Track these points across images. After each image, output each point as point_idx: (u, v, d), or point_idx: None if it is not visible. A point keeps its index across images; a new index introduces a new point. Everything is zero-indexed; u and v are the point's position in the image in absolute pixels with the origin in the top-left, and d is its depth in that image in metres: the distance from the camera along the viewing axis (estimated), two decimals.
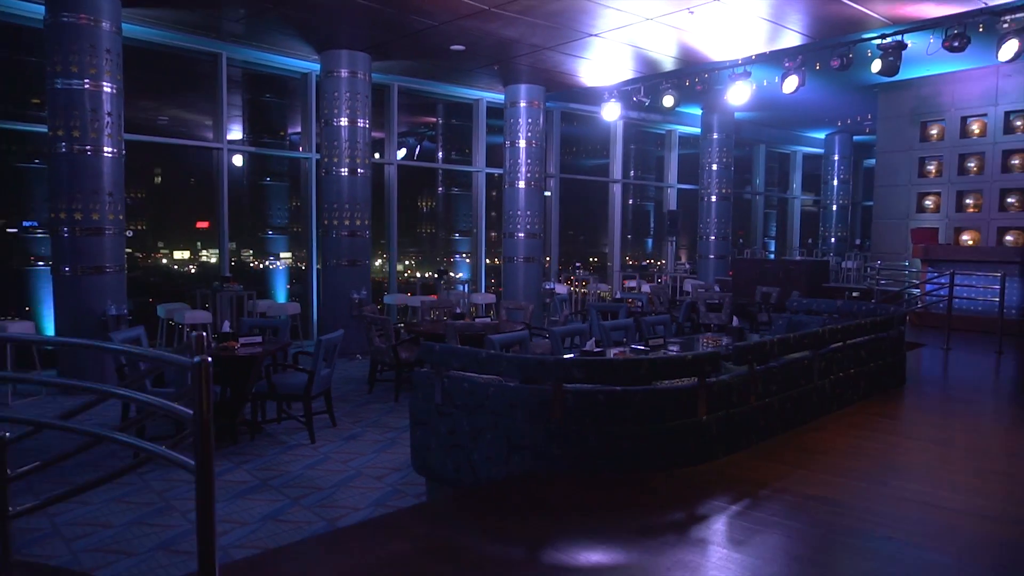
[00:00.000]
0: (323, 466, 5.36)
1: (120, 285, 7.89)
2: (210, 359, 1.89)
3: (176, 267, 14.78)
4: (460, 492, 4.00)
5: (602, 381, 3.93)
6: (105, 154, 7.57)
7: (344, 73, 9.86)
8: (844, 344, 5.48)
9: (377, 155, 11.67)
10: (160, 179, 15.08)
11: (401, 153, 12.67)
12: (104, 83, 7.49)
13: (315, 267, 11.07)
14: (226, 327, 6.30)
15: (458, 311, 8.32)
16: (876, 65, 9.08)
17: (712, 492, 3.63)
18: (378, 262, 12.83)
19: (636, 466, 3.87)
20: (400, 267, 16.01)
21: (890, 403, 5.74)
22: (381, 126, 11.59)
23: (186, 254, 15.05)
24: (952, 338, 8.36)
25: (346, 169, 9.99)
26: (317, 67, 10.37)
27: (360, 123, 10.01)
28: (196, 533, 1.89)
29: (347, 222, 10.09)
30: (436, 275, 12.43)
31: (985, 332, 8.99)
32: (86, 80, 7.37)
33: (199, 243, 14.77)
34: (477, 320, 8.16)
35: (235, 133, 12.80)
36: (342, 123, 9.91)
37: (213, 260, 10.06)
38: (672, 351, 5.49)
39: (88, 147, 7.46)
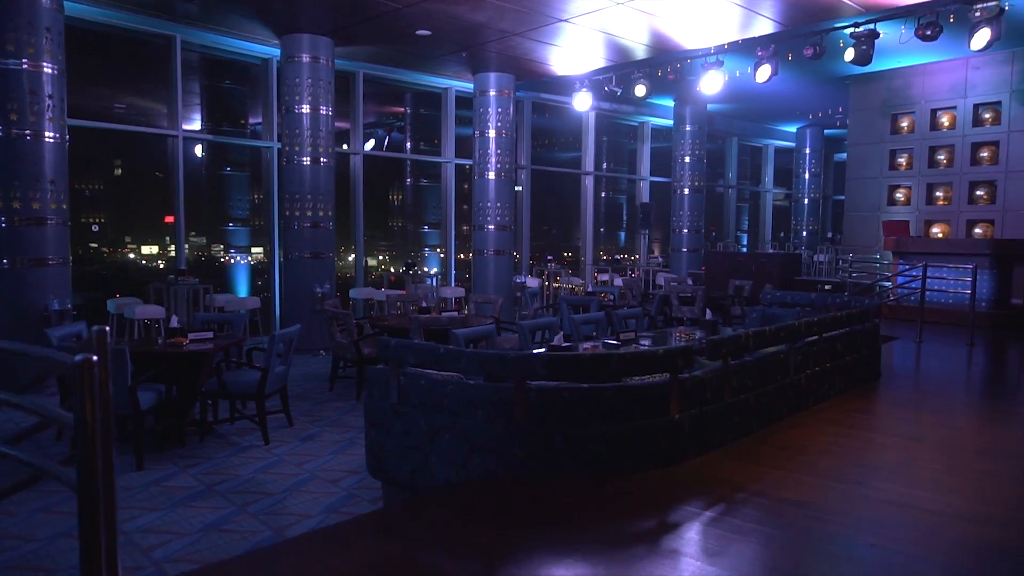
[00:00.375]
0: (276, 469, 5.05)
1: (64, 278, 7.46)
2: (95, 357, 1.59)
3: (144, 262, 14.29)
4: (415, 499, 3.73)
5: (568, 378, 3.69)
6: (46, 139, 7.13)
7: (306, 58, 9.47)
8: (820, 337, 5.30)
9: (345, 146, 11.30)
10: (120, 171, 14.51)
11: (369, 144, 12.29)
12: (44, 64, 7.03)
13: (277, 260, 10.67)
14: (174, 322, 5.95)
15: (425, 305, 8.02)
16: (849, 54, 8.98)
17: (685, 496, 3.41)
18: (351, 257, 12.46)
19: (604, 468, 3.63)
20: (373, 262, 15.62)
21: (866, 398, 5.59)
22: (347, 115, 11.21)
23: (155, 249, 14.55)
24: (924, 331, 8.28)
25: (308, 158, 9.61)
26: (278, 52, 9.96)
27: (323, 110, 9.63)
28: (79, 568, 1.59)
29: (309, 213, 9.72)
30: (404, 268, 12.10)
31: (956, 324, 8.92)
32: (24, 60, 6.91)
33: (168, 238, 14.26)
34: (444, 314, 7.88)
35: (194, 123, 12.31)
36: (304, 110, 9.53)
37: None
38: (644, 345, 5.27)
39: (27, 131, 7.01)
